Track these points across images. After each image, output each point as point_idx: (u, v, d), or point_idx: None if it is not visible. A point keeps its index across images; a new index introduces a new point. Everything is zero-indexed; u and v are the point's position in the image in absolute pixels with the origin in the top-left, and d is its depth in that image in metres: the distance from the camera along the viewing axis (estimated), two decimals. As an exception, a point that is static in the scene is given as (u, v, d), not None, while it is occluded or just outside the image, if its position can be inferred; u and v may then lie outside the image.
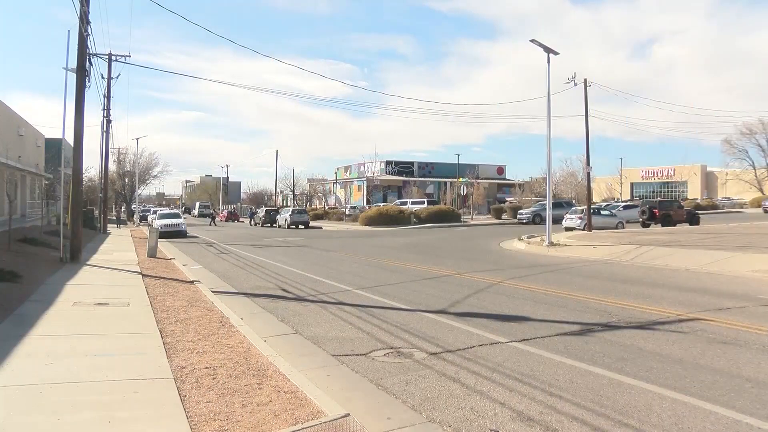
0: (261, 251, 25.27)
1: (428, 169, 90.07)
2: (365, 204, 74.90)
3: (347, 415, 5.09)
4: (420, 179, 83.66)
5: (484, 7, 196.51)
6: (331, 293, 12.65)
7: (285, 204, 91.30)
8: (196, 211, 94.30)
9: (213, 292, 12.62)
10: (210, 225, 59.20)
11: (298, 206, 78.03)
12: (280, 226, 52.77)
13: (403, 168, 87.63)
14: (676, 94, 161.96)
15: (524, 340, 8.09)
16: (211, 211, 72.05)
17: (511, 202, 65.22)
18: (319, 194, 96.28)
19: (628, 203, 54.34)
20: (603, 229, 35.13)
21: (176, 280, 14.59)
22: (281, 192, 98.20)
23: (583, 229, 34.60)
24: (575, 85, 30.80)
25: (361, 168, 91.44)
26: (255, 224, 60.67)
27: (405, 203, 59.71)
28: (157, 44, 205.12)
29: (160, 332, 8.27)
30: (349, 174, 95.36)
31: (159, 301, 11.01)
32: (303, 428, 4.81)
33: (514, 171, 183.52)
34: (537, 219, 46.02)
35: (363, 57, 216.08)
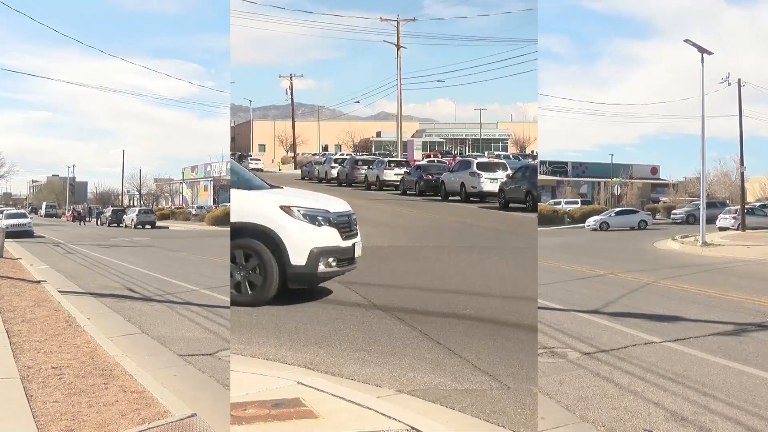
0: (108, 251, 25.19)
1: (582, 169, 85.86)
2: (212, 204, 73.63)
3: (194, 414, 5.13)
4: (574, 179, 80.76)
5: (637, 7, 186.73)
6: (178, 293, 12.84)
7: (132, 204, 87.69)
8: (42, 211, 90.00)
9: (60, 291, 12.59)
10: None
11: (145, 206, 75.73)
12: (126, 226, 52.31)
13: (557, 168, 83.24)
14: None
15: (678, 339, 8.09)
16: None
17: (664, 202, 63.86)
18: (166, 194, 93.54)
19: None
20: (757, 229, 33.68)
21: (23, 280, 14.50)
22: (128, 192, 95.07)
23: (737, 229, 34.11)
24: (729, 84, 30.50)
25: (208, 168, 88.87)
26: (102, 224, 59.90)
27: (559, 203, 59.28)
28: (4, 44, 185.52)
29: (7, 332, 8.19)
30: (196, 174, 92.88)
31: (5, 301, 10.94)
32: (150, 428, 4.82)
33: (668, 171, 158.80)
34: (691, 219, 44.49)
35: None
